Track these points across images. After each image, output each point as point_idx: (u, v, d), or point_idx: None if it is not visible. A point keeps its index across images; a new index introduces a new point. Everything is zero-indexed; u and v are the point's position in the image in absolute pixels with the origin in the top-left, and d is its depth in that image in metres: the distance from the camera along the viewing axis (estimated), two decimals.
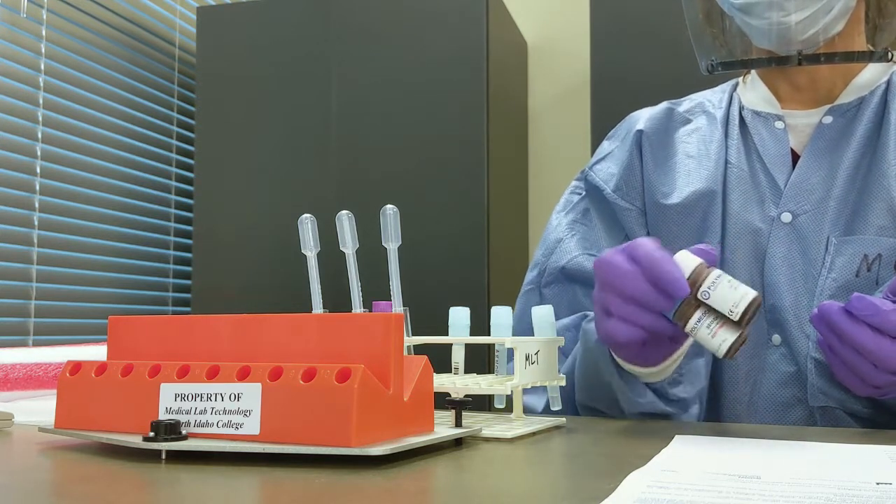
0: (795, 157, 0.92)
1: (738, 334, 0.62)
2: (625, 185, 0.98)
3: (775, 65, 0.90)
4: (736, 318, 0.62)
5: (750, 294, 0.62)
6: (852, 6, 0.86)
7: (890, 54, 0.87)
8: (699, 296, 0.63)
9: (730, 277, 0.63)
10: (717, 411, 0.88)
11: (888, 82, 0.92)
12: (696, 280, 0.63)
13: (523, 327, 0.94)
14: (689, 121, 1.00)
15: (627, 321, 0.66)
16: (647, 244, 0.66)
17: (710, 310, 0.63)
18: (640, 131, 0.99)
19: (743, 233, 0.90)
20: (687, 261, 0.64)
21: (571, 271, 0.95)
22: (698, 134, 0.98)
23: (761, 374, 0.87)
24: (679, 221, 0.93)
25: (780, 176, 0.91)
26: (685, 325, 0.64)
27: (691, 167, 0.95)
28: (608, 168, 1.01)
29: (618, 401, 0.79)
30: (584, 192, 1.02)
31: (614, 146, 1.03)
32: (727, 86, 1.03)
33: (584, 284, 0.94)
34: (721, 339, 0.62)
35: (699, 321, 0.63)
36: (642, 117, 1.02)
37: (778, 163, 0.92)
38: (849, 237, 0.85)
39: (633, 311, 0.66)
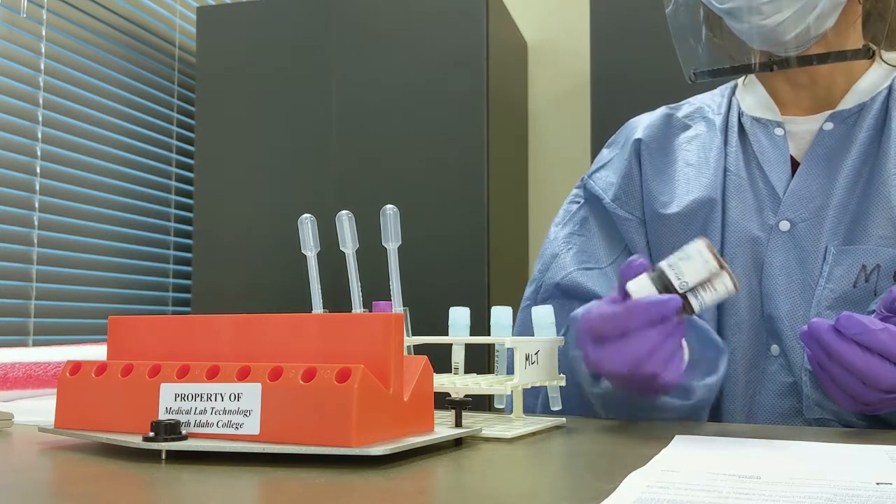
0: (795, 164, 0.91)
1: (726, 273, 0.66)
2: (624, 195, 0.97)
3: (760, 71, 0.90)
4: (717, 269, 0.65)
5: (701, 247, 0.66)
6: (842, 1, 0.86)
7: (871, 50, 0.87)
8: (679, 289, 0.66)
9: (675, 257, 0.66)
10: (716, 421, 0.87)
11: (889, 88, 0.91)
12: (664, 285, 0.67)
13: None
14: (688, 126, 0.99)
15: (666, 364, 0.68)
16: (603, 313, 0.68)
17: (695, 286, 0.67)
18: (638, 140, 0.98)
19: (742, 241, 0.89)
20: (641, 283, 0.67)
21: (567, 287, 0.94)
22: (698, 141, 0.97)
23: (760, 384, 0.86)
24: (679, 231, 0.92)
25: (779, 183, 0.90)
26: (693, 312, 0.67)
27: (691, 175, 0.94)
28: (607, 177, 1.00)
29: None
30: (582, 201, 1.01)
31: (613, 154, 1.02)
32: (726, 89, 1.02)
33: (580, 300, 0.93)
34: (723, 289, 0.66)
35: (698, 298, 0.66)
36: (641, 125, 1.01)
37: (777, 170, 0.91)
38: (847, 247, 0.84)
39: (663, 355, 0.67)
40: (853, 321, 0.67)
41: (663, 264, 0.67)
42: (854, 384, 0.69)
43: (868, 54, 0.87)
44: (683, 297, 0.66)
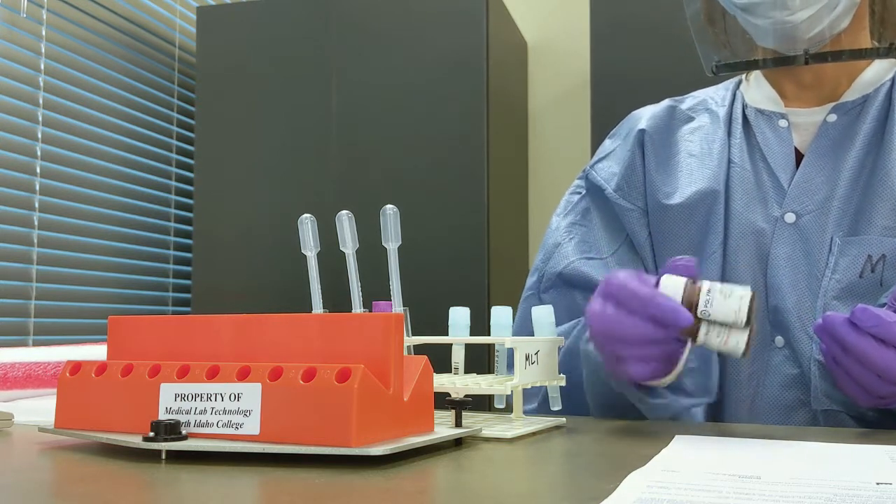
0: (799, 156, 0.91)
1: (747, 333, 0.63)
2: (626, 185, 0.97)
3: (782, 65, 0.89)
4: (742, 324, 0.63)
5: (746, 296, 0.63)
6: (857, 1, 0.86)
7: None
8: (700, 314, 0.64)
9: (720, 286, 0.64)
10: (720, 414, 0.87)
11: (893, 80, 0.91)
12: (690, 300, 0.64)
13: (524, 333, 0.93)
14: (691, 118, 0.99)
15: (641, 361, 0.67)
16: (627, 282, 0.67)
17: (714, 321, 0.64)
18: (642, 130, 0.98)
19: (746, 233, 0.89)
20: (675, 284, 0.65)
21: (569, 276, 0.94)
22: (701, 132, 0.97)
23: (764, 376, 0.86)
24: (681, 222, 0.92)
25: (784, 175, 0.90)
26: (695, 340, 0.65)
27: (693, 166, 0.94)
28: (609, 167, 1.00)
29: (634, 407, 0.79)
30: (584, 191, 1.01)
31: (616, 145, 1.02)
32: (730, 83, 1.02)
33: (582, 289, 0.93)
34: (734, 343, 0.64)
35: (707, 333, 0.64)
36: (644, 116, 1.01)
37: (781, 162, 0.91)
38: (853, 238, 0.84)
39: (644, 352, 0.67)
40: (868, 314, 0.67)
41: (705, 283, 0.64)
42: (869, 378, 0.69)
43: (894, 53, 0.87)
44: (697, 322, 0.64)
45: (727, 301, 0.63)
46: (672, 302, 0.65)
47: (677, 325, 0.64)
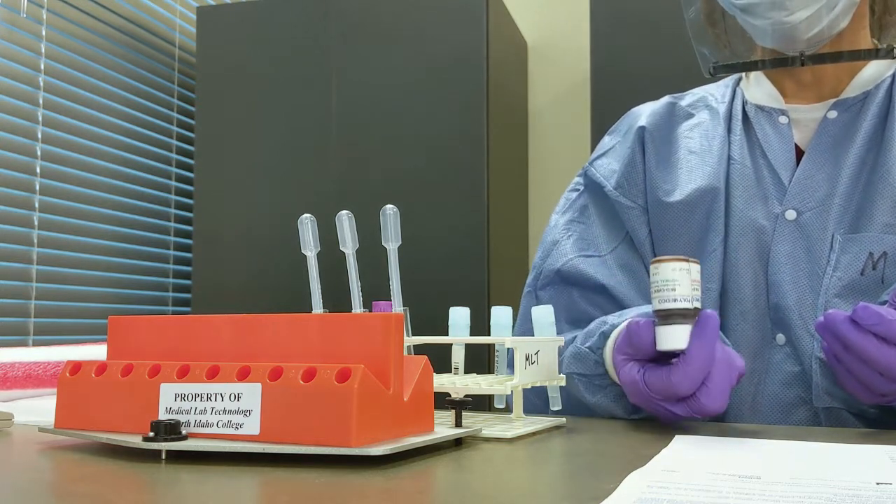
0: (799, 153, 0.91)
1: (691, 263, 0.66)
2: (626, 183, 0.97)
3: (778, 66, 0.89)
4: (688, 266, 0.66)
5: (672, 265, 0.66)
6: (857, 1, 0.86)
7: (895, 50, 0.87)
8: (693, 307, 0.66)
9: (668, 287, 0.66)
10: (721, 412, 0.87)
11: (893, 76, 0.91)
12: (682, 315, 0.66)
13: (524, 330, 0.93)
14: (691, 115, 0.99)
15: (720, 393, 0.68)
16: (657, 380, 0.67)
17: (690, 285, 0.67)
18: (642, 127, 0.98)
19: (746, 230, 0.89)
20: (669, 333, 0.66)
21: (567, 274, 0.94)
22: (700, 129, 0.97)
23: (765, 374, 0.86)
24: (682, 219, 0.92)
25: (785, 172, 0.90)
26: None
27: (693, 164, 0.94)
28: (609, 164, 1.00)
29: None
30: (582, 188, 1.01)
31: (616, 141, 1.02)
32: (730, 80, 1.02)
33: (580, 287, 0.93)
34: (698, 273, 0.67)
35: (700, 300, 0.67)
36: (644, 113, 1.01)
37: (782, 159, 0.91)
38: (854, 235, 0.84)
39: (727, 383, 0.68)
40: (870, 312, 0.67)
41: (667, 306, 0.65)
42: (871, 375, 0.69)
43: (892, 54, 0.87)
44: (695, 309, 0.66)
45: (680, 282, 0.65)
46: (701, 339, 0.65)
47: (717, 326, 0.66)
